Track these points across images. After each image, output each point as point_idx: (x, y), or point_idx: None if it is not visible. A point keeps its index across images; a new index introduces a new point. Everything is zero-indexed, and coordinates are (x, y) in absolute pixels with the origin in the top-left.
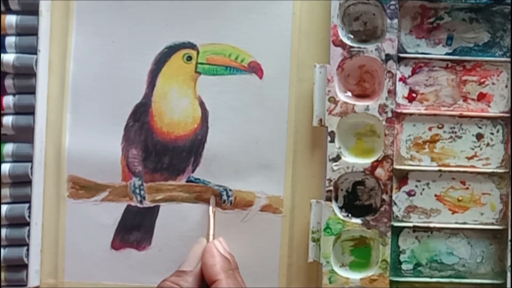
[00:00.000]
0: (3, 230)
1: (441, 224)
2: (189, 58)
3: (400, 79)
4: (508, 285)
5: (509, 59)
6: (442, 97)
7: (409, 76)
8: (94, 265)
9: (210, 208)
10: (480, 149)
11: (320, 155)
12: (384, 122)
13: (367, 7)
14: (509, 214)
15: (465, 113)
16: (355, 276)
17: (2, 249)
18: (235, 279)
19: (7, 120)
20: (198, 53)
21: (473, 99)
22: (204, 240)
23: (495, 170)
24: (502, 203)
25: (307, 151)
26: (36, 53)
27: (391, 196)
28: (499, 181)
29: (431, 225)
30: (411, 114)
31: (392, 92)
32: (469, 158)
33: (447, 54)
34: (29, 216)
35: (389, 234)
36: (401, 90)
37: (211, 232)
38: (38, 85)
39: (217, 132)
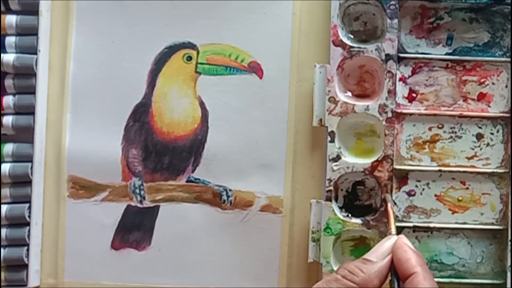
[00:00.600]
0: (3, 230)
1: (441, 224)
2: (189, 58)
3: (400, 79)
4: (508, 285)
5: (509, 59)
6: (442, 97)
7: (409, 76)
8: (94, 265)
9: (389, 204)
10: (480, 149)
11: (320, 155)
12: (384, 122)
13: (367, 7)
14: (509, 214)
15: (465, 113)
16: None
17: (2, 249)
18: (430, 273)
19: (7, 120)
20: (198, 53)
21: (473, 99)
22: (393, 237)
23: (495, 170)
24: (502, 203)
25: (307, 151)
26: (36, 53)
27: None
28: (499, 181)
29: (431, 225)
30: (411, 114)
31: (392, 92)
32: (469, 158)
33: (447, 54)
34: (29, 216)
35: None
36: (401, 90)
37: (393, 227)
38: (38, 85)
39: (217, 132)
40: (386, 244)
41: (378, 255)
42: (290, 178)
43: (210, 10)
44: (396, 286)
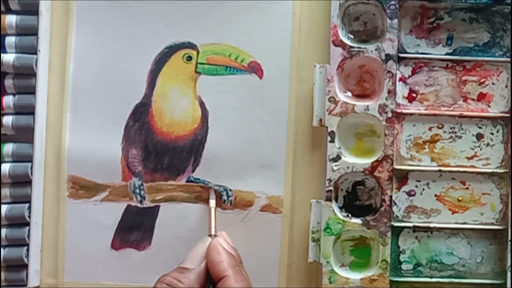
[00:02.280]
0: (3, 230)
1: (441, 224)
2: (189, 58)
3: (400, 79)
4: (508, 285)
5: (509, 59)
6: (442, 97)
7: (409, 76)
8: (94, 265)
9: (211, 201)
10: (480, 149)
11: (320, 155)
12: (384, 122)
13: (367, 7)
14: (509, 214)
15: (465, 113)
16: (355, 276)
17: (2, 249)
18: (242, 274)
19: (7, 120)
20: (198, 53)
21: (473, 99)
22: (208, 239)
23: (495, 170)
24: (502, 203)
25: (307, 151)
26: (36, 53)
27: (391, 196)
28: (499, 181)
29: (431, 225)
30: (411, 114)
31: (392, 92)
32: (469, 158)
33: (447, 54)
34: (29, 216)
35: (389, 234)
36: (401, 90)
37: (213, 226)
38: (38, 85)
39: (217, 132)
40: (200, 249)
41: (195, 261)
42: (290, 178)
43: (210, 10)
44: None
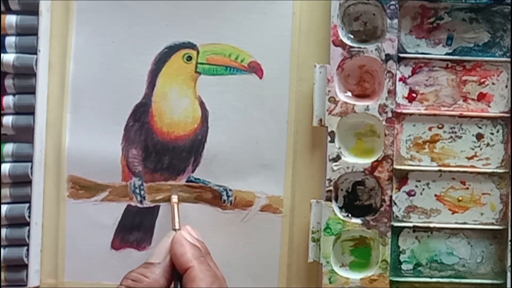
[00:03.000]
0: (3, 230)
1: (441, 224)
2: (189, 58)
3: (400, 79)
4: (508, 285)
5: (509, 59)
6: (442, 97)
7: (409, 76)
8: (94, 265)
9: (172, 197)
10: (480, 149)
11: (320, 155)
12: (384, 122)
13: (367, 7)
14: (509, 214)
15: (465, 113)
16: (355, 276)
17: (2, 249)
18: (207, 264)
19: (7, 120)
20: (198, 53)
21: (473, 99)
22: (172, 233)
23: (495, 170)
24: (502, 203)
25: (307, 151)
26: (36, 53)
27: (391, 196)
28: (499, 181)
29: (431, 225)
30: (411, 114)
31: (392, 92)
32: (469, 158)
33: (447, 54)
34: (29, 216)
35: (389, 234)
36: (401, 90)
37: (176, 221)
38: (38, 85)
39: (217, 132)
40: (165, 243)
41: (160, 255)
42: (290, 178)
43: (210, 10)
44: (178, 286)
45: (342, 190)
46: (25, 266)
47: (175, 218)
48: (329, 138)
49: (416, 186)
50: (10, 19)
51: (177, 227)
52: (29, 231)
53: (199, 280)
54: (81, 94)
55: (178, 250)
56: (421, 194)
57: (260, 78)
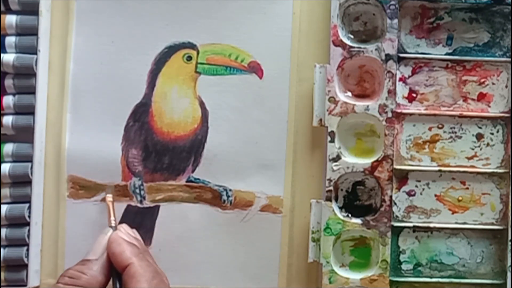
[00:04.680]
0: (3, 230)
1: (441, 224)
2: (189, 58)
3: (400, 79)
4: (508, 285)
5: (509, 59)
6: (442, 97)
7: (409, 76)
8: None
9: (107, 196)
10: (480, 149)
11: (320, 155)
12: (384, 122)
13: (367, 7)
14: (509, 214)
15: (465, 113)
16: (355, 276)
17: (2, 249)
18: (147, 260)
19: (7, 120)
20: (198, 53)
21: (473, 99)
22: (109, 230)
23: (495, 170)
24: (502, 203)
25: (307, 151)
26: (36, 53)
27: (391, 196)
28: (499, 181)
29: (431, 225)
30: (411, 114)
31: (392, 92)
32: (469, 158)
33: (447, 54)
34: (29, 216)
35: (389, 234)
36: (401, 90)
37: (112, 219)
38: (38, 85)
39: (217, 132)
40: (101, 240)
41: (97, 252)
42: (290, 178)
43: (210, 10)
44: (117, 284)
45: (342, 190)
46: (25, 266)
47: (110, 216)
48: (329, 138)
49: (416, 186)
50: (10, 19)
51: (113, 224)
52: (29, 231)
53: (139, 276)
54: (81, 94)
55: (116, 249)
56: (421, 194)
57: (260, 78)
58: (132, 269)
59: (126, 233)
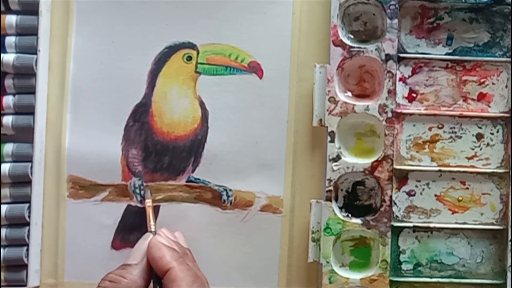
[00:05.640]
0: (3, 230)
1: (441, 224)
2: (189, 58)
3: (400, 79)
4: (508, 285)
5: (509, 59)
6: (442, 97)
7: (409, 76)
8: (94, 265)
9: (146, 201)
10: (480, 149)
11: (320, 155)
12: (384, 122)
13: (367, 7)
14: (509, 214)
15: (465, 113)
16: (355, 276)
17: (2, 249)
18: (187, 264)
19: (7, 120)
20: (198, 53)
21: (473, 99)
22: (149, 235)
23: (495, 170)
24: (502, 203)
25: (307, 151)
26: (36, 53)
27: (391, 196)
28: (499, 181)
29: (431, 225)
30: (411, 114)
31: (392, 92)
32: (469, 158)
33: (447, 54)
34: (29, 216)
35: (389, 234)
36: (401, 90)
37: (151, 224)
38: (38, 85)
39: (217, 132)
40: (142, 245)
41: (137, 257)
42: (290, 178)
43: (210, 10)
44: (157, 286)
45: (342, 190)
46: (25, 266)
47: (150, 221)
48: (329, 138)
49: (416, 186)
50: (10, 19)
51: (152, 229)
52: (29, 231)
53: (180, 280)
54: (81, 94)
55: (156, 253)
56: (421, 194)
57: (260, 78)
58: (173, 273)
59: (166, 237)
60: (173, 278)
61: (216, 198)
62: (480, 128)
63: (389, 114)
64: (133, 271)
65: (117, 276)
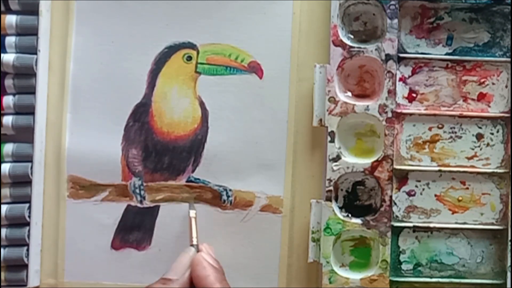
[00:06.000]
0: (3, 230)
1: (441, 224)
2: (189, 58)
3: (400, 79)
4: (508, 285)
5: (509, 59)
6: (442, 97)
7: (409, 76)
8: (94, 265)
9: (190, 212)
10: (480, 149)
11: (320, 155)
12: (384, 122)
13: (367, 7)
14: (509, 214)
15: (465, 113)
16: (355, 276)
17: (2, 249)
18: (228, 285)
19: (7, 120)
20: (198, 53)
21: (473, 99)
22: (192, 250)
23: (495, 170)
24: (502, 203)
25: (307, 151)
26: (36, 53)
27: (391, 196)
28: (499, 181)
29: (431, 225)
30: (411, 114)
31: (392, 92)
32: (469, 158)
33: (447, 54)
34: (29, 216)
35: (389, 234)
36: (401, 90)
37: (194, 237)
38: (38, 85)
39: (217, 132)
40: (183, 259)
41: (178, 272)
42: (290, 178)
43: (210, 10)
44: None
45: (342, 190)
46: (25, 266)
47: (193, 234)
48: (329, 138)
49: (416, 186)
50: (10, 19)
51: (195, 242)
52: (29, 231)
53: None
54: (81, 94)
55: (201, 272)
56: (421, 194)
57: (260, 78)
58: None
59: (209, 254)
60: None
61: (216, 198)
62: (480, 128)
63: (389, 114)
64: (173, 286)
65: None
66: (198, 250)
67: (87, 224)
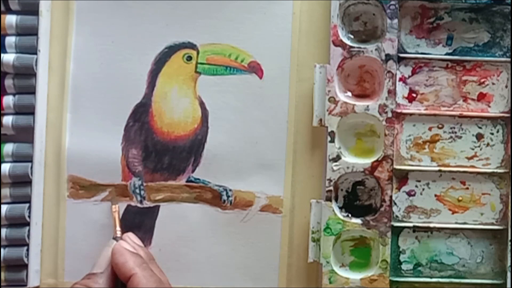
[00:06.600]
0: (3, 230)
1: (441, 224)
2: (189, 58)
3: (400, 79)
4: (508, 285)
5: (509, 59)
6: (442, 97)
7: (409, 76)
8: None
9: (112, 207)
10: (480, 149)
11: (320, 155)
12: (384, 122)
13: (367, 7)
14: (509, 214)
15: (465, 113)
16: (355, 276)
17: (2, 249)
18: (150, 270)
19: (7, 120)
20: (198, 53)
21: (473, 99)
22: (113, 242)
23: (495, 170)
24: (502, 203)
25: (307, 151)
26: (36, 53)
27: (391, 196)
28: (499, 181)
29: (431, 225)
30: (411, 114)
31: (392, 92)
32: (469, 158)
33: (447, 54)
34: (29, 216)
35: (389, 234)
36: (401, 90)
37: (117, 230)
38: (38, 85)
39: (217, 132)
40: (106, 253)
41: (102, 265)
42: (290, 178)
43: (210, 10)
44: None
45: (342, 190)
46: (25, 266)
47: (116, 227)
48: (329, 138)
49: (416, 186)
50: (10, 19)
51: (118, 235)
52: (29, 231)
53: (142, 286)
54: (81, 94)
55: (119, 259)
56: (421, 194)
57: (260, 78)
58: (136, 280)
59: (131, 242)
60: (135, 285)
61: (216, 198)
62: (480, 128)
63: (389, 114)
64: (99, 280)
65: (83, 286)
66: None
67: (87, 224)
